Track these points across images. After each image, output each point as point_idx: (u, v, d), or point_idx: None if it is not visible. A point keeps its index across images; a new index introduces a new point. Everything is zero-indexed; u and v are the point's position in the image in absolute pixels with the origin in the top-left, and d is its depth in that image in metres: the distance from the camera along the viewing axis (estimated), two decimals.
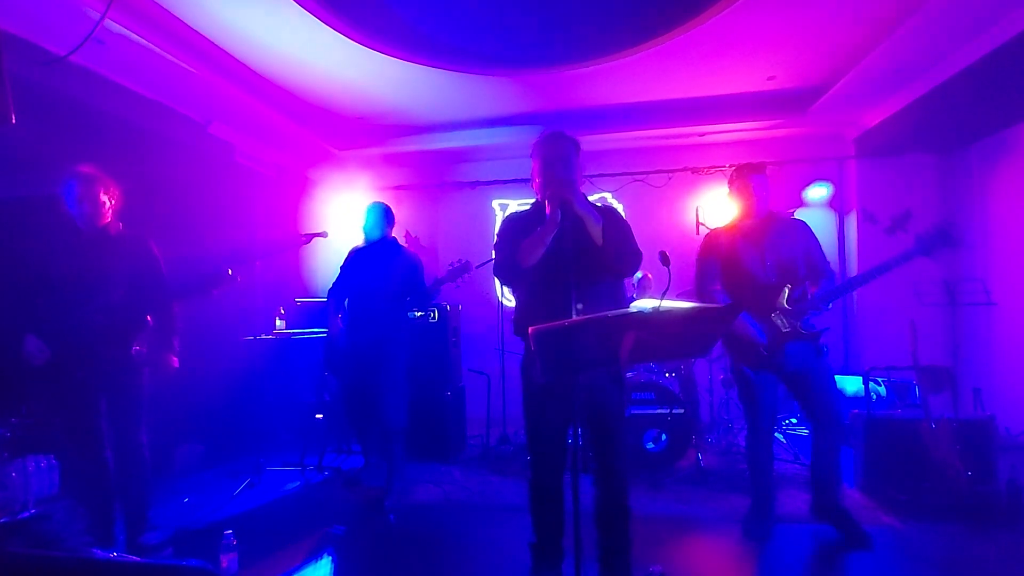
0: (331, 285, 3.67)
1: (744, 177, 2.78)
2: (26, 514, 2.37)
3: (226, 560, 2.39)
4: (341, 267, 3.66)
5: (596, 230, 2.05)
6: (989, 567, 2.57)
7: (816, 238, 2.81)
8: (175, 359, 2.81)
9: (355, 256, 3.65)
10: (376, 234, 3.58)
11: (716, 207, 5.25)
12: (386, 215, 3.62)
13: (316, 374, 4.73)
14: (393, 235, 3.68)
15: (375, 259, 3.54)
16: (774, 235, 2.75)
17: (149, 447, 2.77)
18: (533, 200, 2.28)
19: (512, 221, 2.28)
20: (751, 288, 2.70)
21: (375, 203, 3.66)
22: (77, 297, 2.58)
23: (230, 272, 2.65)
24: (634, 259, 2.14)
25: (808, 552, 2.73)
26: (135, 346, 2.69)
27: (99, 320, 2.57)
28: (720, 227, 2.95)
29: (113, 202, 2.71)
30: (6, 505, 3.13)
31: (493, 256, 2.30)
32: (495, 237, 2.31)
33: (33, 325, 2.57)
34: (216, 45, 3.68)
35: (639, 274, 4.80)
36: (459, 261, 3.58)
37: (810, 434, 2.82)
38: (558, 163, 2.14)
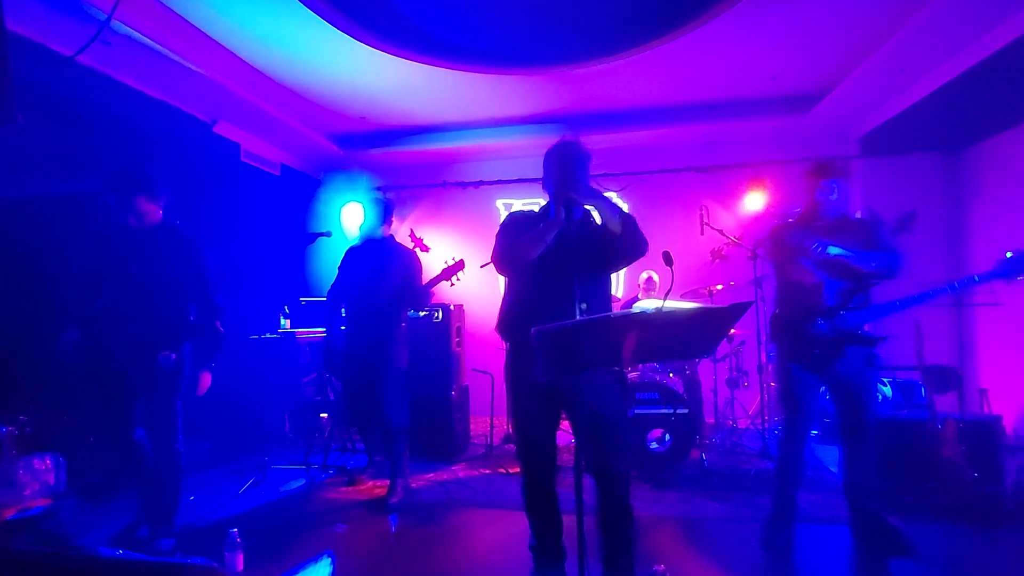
0: (330, 286, 3.67)
1: (817, 178, 2.65)
2: (33, 511, 2.39)
3: (231, 558, 2.40)
4: (339, 267, 3.66)
5: (614, 220, 2.03)
6: (995, 568, 2.56)
7: (881, 225, 2.65)
8: (208, 378, 2.78)
9: (352, 255, 3.64)
10: (376, 232, 3.57)
11: (720, 206, 5.25)
12: (386, 212, 3.61)
13: (321, 373, 4.75)
14: (391, 233, 3.68)
15: (372, 258, 3.53)
16: (843, 239, 2.56)
17: (184, 455, 2.77)
18: (540, 200, 2.29)
19: (516, 217, 2.30)
20: (810, 288, 2.58)
21: (375, 200, 3.65)
22: (120, 295, 2.59)
23: (219, 328, 2.70)
24: (644, 244, 2.13)
25: (811, 552, 2.73)
26: (170, 353, 2.61)
27: (138, 320, 2.56)
28: (789, 222, 2.80)
29: (161, 201, 2.68)
30: (13, 502, 3.15)
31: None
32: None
33: (81, 321, 2.59)
34: (221, 45, 3.70)
35: (644, 275, 4.80)
36: (453, 259, 3.57)
37: (843, 443, 2.68)
38: (569, 164, 2.14)
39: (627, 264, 2.22)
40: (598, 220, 2.13)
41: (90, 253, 2.69)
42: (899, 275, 2.55)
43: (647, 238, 2.15)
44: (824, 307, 2.56)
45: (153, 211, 2.67)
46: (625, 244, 2.07)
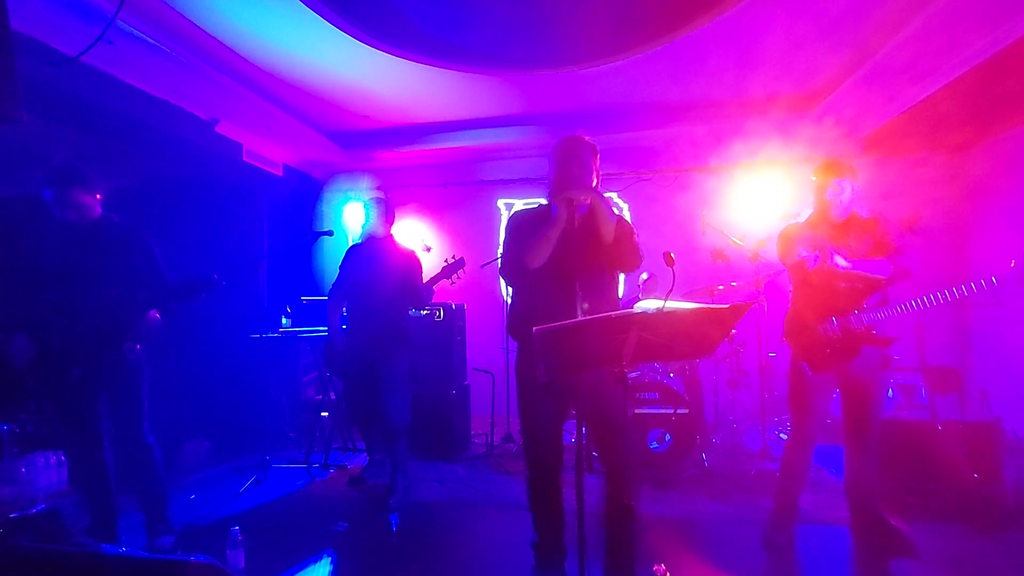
0: (331, 285, 3.68)
1: (828, 177, 2.59)
2: (35, 509, 2.40)
3: (233, 556, 2.41)
4: (340, 266, 3.67)
5: (608, 224, 2.03)
6: (995, 568, 2.56)
7: (890, 225, 2.62)
8: (156, 315, 2.67)
9: (353, 254, 3.65)
10: (377, 231, 3.59)
11: (722, 207, 5.26)
12: (386, 211, 3.63)
13: (321, 372, 4.76)
14: (392, 232, 3.69)
15: (373, 257, 3.54)
16: (853, 240, 2.56)
17: (158, 447, 2.74)
18: (540, 200, 2.29)
19: (518, 220, 2.28)
20: (832, 289, 2.56)
21: (376, 199, 3.67)
22: (70, 294, 2.52)
23: (216, 278, 2.60)
24: (637, 259, 2.15)
25: (811, 552, 2.73)
26: (135, 344, 2.61)
27: (93, 317, 2.52)
28: (798, 224, 2.76)
29: (99, 196, 2.62)
30: (15, 500, 3.16)
31: (499, 257, 2.29)
32: (502, 235, 2.32)
33: (26, 323, 2.52)
34: (224, 44, 3.70)
35: (644, 275, 4.80)
36: (453, 257, 3.57)
37: (847, 443, 2.66)
38: (573, 162, 2.13)
39: (621, 271, 2.20)
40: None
41: (29, 253, 2.61)
42: (912, 275, 2.52)
43: (647, 243, 2.15)
44: (838, 307, 2.54)
45: (91, 204, 2.60)
46: (615, 254, 2.07)
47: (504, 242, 2.26)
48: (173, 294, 2.62)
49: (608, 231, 2.04)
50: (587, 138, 2.22)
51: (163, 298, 2.64)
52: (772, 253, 4.57)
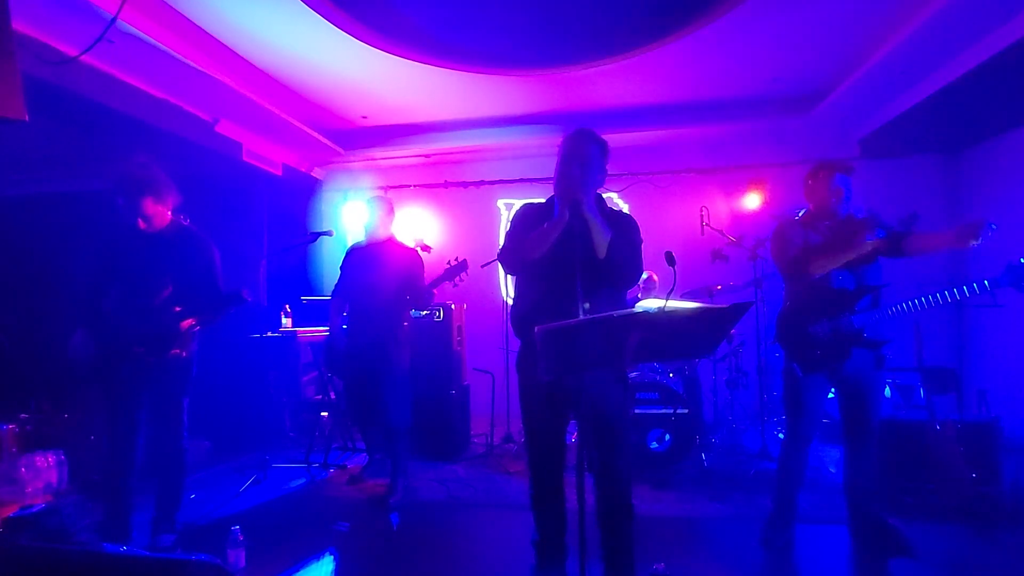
0: (333, 285, 3.69)
1: (826, 176, 2.60)
2: (35, 508, 2.40)
3: (233, 555, 2.41)
4: (341, 267, 3.68)
5: (601, 241, 2.02)
6: (993, 568, 2.57)
7: (884, 225, 2.60)
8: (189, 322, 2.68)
9: (354, 255, 3.66)
10: (377, 230, 3.59)
11: (720, 207, 5.27)
12: (387, 211, 3.63)
13: (322, 372, 4.76)
14: (392, 233, 3.70)
15: (374, 257, 3.54)
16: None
17: (190, 451, 2.80)
18: (542, 200, 2.29)
19: (524, 213, 2.27)
20: (823, 291, 2.57)
21: (377, 199, 3.67)
22: (130, 296, 2.61)
23: (244, 294, 2.66)
24: (633, 278, 2.13)
25: (811, 552, 2.74)
26: (181, 351, 2.65)
27: (148, 319, 2.58)
28: (794, 220, 2.76)
29: (169, 202, 2.69)
30: (16, 499, 3.16)
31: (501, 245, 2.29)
32: (502, 235, 2.31)
33: (89, 321, 2.62)
34: (224, 44, 3.71)
35: (644, 274, 4.81)
36: (456, 259, 3.58)
37: (846, 444, 2.67)
38: (575, 161, 2.11)
39: (611, 288, 2.13)
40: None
41: (97, 254, 2.70)
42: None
43: (646, 243, 2.14)
44: (832, 308, 2.54)
45: (161, 213, 2.68)
46: (606, 269, 2.05)
47: (508, 232, 2.26)
48: (211, 305, 2.69)
49: (600, 248, 2.03)
50: (594, 133, 2.20)
51: (206, 308, 2.69)
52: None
